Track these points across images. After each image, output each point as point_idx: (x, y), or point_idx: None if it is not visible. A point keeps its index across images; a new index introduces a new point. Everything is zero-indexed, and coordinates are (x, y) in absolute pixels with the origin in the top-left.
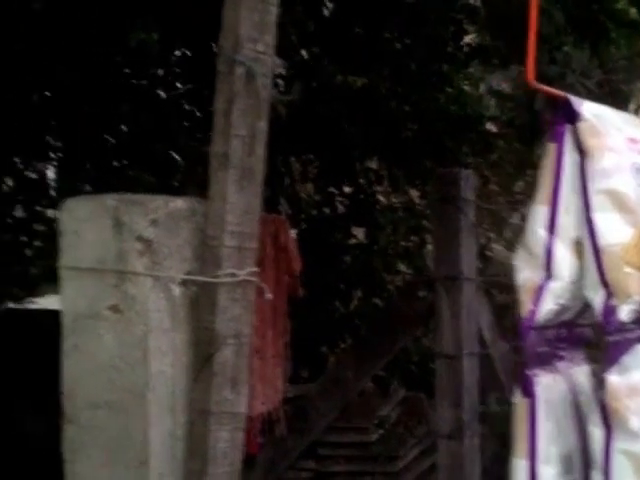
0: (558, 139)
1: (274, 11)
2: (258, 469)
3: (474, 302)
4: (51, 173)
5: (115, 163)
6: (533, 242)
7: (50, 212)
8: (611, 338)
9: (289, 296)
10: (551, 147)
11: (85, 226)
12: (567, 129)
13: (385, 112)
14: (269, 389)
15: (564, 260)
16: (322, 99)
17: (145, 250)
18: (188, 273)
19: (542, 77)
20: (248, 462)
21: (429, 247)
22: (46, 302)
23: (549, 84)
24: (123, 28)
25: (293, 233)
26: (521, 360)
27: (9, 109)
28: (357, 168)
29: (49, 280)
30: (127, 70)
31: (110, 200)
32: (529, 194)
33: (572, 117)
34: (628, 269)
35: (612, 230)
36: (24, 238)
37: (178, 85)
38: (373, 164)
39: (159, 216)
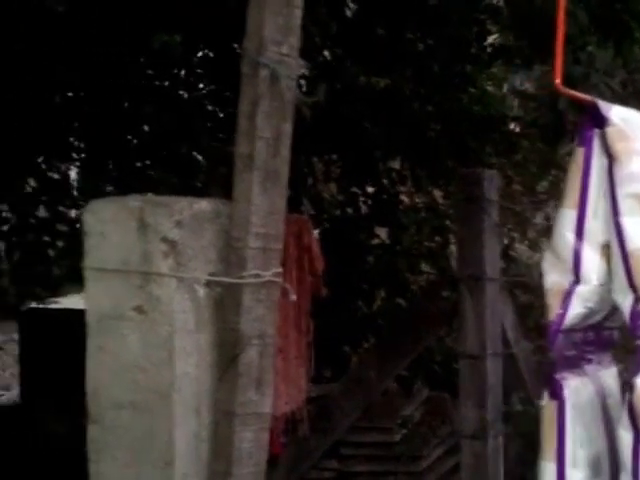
0: (586, 143)
1: (299, 14)
2: (281, 469)
3: (497, 302)
4: (74, 174)
5: (137, 164)
6: (561, 246)
7: (73, 212)
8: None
9: (312, 296)
10: (579, 151)
11: (110, 227)
12: (595, 133)
13: (408, 112)
14: (292, 389)
15: (592, 264)
16: (345, 100)
17: (170, 251)
18: (212, 274)
19: (566, 77)
20: (271, 462)
21: (452, 247)
22: (69, 302)
23: (573, 84)
24: (146, 30)
25: (316, 233)
26: (545, 360)
27: (32, 110)
28: (380, 168)
29: (72, 280)
30: (150, 71)
31: (135, 201)
32: (552, 194)
33: (600, 121)
34: None
35: None
36: (47, 238)
37: (200, 86)
38: (396, 164)
39: (184, 217)
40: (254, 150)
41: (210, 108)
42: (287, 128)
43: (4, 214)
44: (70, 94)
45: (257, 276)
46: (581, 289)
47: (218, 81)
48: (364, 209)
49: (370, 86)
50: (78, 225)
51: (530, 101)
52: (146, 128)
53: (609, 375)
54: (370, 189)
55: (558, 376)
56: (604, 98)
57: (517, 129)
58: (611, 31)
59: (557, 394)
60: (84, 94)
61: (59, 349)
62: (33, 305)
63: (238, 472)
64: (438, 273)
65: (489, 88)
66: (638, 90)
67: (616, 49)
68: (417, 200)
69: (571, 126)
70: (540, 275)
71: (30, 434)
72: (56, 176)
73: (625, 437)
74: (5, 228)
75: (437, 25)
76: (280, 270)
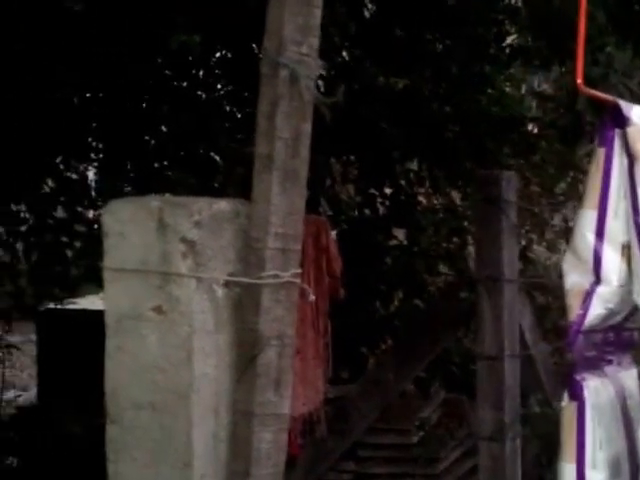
0: (607, 144)
1: (318, 14)
2: (298, 470)
3: (515, 303)
4: (92, 174)
5: (155, 164)
6: (581, 247)
7: (91, 213)
8: None
9: (330, 297)
10: (600, 151)
11: (129, 228)
12: (616, 133)
13: (426, 113)
14: (310, 390)
15: (613, 264)
16: (363, 100)
17: (189, 251)
18: (231, 274)
19: (585, 78)
20: (289, 463)
21: (470, 248)
22: (86, 303)
23: (592, 85)
24: (164, 30)
25: (333, 234)
26: (563, 362)
27: (50, 110)
28: (398, 169)
29: (90, 281)
30: (168, 72)
31: (154, 202)
32: (571, 195)
33: (621, 121)
34: None
35: None
36: (65, 239)
37: (218, 86)
38: (414, 165)
39: (203, 218)
40: (273, 150)
41: (228, 108)
42: (306, 128)
43: (22, 214)
44: (88, 95)
45: (276, 277)
46: (601, 290)
47: (236, 81)
48: (382, 210)
49: (388, 87)
50: (96, 225)
51: (548, 102)
52: (164, 128)
53: (629, 376)
54: (388, 190)
55: (578, 377)
56: (623, 99)
57: (535, 130)
58: (630, 32)
59: (577, 395)
60: (102, 95)
61: (76, 350)
62: (51, 306)
63: (257, 473)
64: (456, 274)
65: (507, 89)
66: None
67: (635, 50)
68: (435, 201)
69: (589, 127)
70: (558, 276)
71: (48, 435)
72: (74, 176)
73: None
74: (23, 228)
75: (455, 25)
76: (299, 271)
